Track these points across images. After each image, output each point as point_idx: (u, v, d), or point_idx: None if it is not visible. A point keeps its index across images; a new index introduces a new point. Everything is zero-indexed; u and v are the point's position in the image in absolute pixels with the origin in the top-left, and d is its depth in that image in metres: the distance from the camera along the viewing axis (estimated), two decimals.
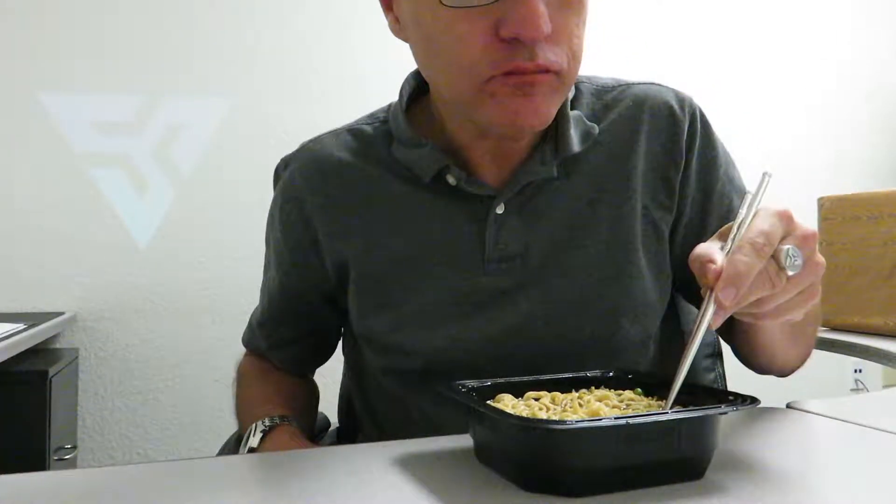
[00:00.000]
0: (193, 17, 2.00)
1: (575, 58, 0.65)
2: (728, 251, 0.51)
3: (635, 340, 0.76)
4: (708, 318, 0.50)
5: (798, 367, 0.79)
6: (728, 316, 0.51)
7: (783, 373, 0.79)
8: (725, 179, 0.79)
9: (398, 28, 0.71)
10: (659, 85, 0.79)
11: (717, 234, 0.56)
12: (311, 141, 0.83)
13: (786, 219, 0.52)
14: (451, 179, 0.73)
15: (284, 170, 0.83)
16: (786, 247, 0.51)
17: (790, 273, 0.51)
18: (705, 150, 0.78)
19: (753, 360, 0.79)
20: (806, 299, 0.54)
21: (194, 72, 2.00)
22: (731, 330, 0.77)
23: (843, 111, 2.57)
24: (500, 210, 0.73)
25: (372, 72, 2.03)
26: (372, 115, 0.83)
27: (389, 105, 0.82)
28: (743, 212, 0.53)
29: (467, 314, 0.74)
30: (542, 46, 0.61)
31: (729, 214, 0.78)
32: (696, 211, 0.78)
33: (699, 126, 0.77)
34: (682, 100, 0.78)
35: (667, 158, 0.76)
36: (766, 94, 2.47)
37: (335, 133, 0.82)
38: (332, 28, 2.08)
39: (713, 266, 0.50)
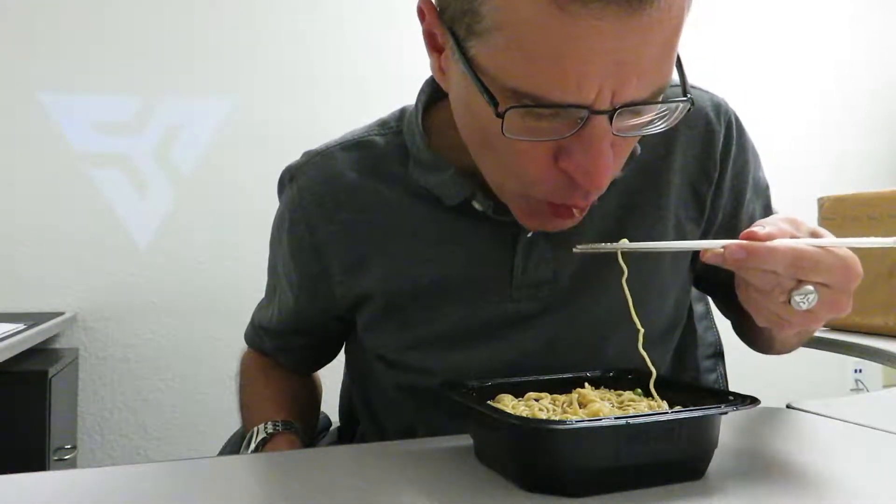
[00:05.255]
0: (193, 17, 1.99)
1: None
2: None
3: (655, 357, 0.74)
4: (711, 246, 0.55)
5: (796, 348, 0.80)
6: (718, 259, 0.55)
7: (780, 353, 0.79)
8: (752, 183, 0.77)
9: (442, 78, 0.63)
10: (695, 88, 0.73)
11: None
12: (318, 154, 0.76)
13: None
14: (477, 206, 0.69)
15: (290, 183, 0.77)
16: (807, 288, 0.54)
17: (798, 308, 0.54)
18: (738, 158, 0.75)
19: (748, 339, 0.81)
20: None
21: (194, 72, 1.99)
22: (734, 309, 0.78)
23: (843, 111, 2.57)
24: (528, 234, 0.69)
25: (372, 71, 2.02)
26: (383, 124, 0.77)
27: (402, 111, 0.77)
28: None
29: (491, 338, 0.71)
30: None
31: (751, 221, 0.74)
32: (727, 218, 0.76)
33: (734, 134, 0.75)
34: (717, 106, 0.75)
35: (699, 172, 0.74)
36: (765, 95, 2.47)
37: (344, 145, 0.76)
38: (332, 28, 2.08)
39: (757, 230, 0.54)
